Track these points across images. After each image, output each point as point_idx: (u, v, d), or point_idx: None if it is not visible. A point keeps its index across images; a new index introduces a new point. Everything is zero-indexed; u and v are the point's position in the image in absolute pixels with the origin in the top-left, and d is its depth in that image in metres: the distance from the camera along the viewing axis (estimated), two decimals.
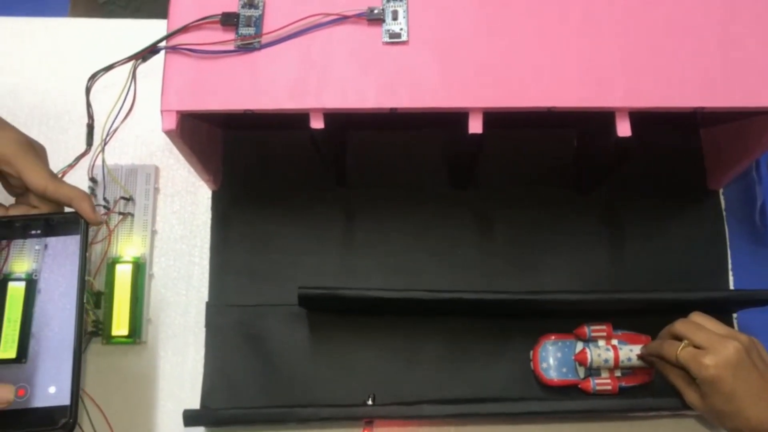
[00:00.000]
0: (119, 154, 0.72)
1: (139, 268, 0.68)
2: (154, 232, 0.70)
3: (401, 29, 0.57)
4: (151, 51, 0.58)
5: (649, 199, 0.71)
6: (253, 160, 0.72)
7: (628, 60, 0.56)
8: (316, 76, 0.56)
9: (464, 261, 0.70)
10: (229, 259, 0.69)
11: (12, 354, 0.52)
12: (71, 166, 0.67)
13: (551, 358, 0.66)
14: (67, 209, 0.56)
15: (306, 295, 0.62)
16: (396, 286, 0.67)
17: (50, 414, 0.50)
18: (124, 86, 0.63)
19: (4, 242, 0.54)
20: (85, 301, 0.53)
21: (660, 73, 0.56)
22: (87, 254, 0.54)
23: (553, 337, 0.66)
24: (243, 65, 0.57)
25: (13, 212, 0.56)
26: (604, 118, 0.58)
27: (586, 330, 0.65)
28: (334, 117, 0.57)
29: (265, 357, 0.67)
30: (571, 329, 0.67)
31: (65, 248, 0.54)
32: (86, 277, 0.54)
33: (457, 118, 0.58)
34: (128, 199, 0.70)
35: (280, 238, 0.70)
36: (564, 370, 0.65)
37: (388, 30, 0.57)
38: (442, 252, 0.70)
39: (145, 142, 0.73)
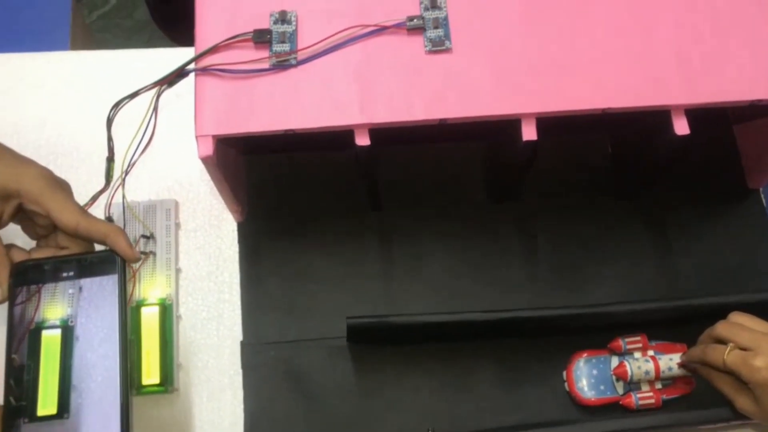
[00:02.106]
0: (134, 189, 0.68)
1: (166, 310, 0.64)
2: (178, 271, 0.66)
3: (444, 37, 0.54)
4: (178, 75, 0.55)
5: (689, 203, 0.69)
6: (278, 188, 0.68)
7: (682, 55, 0.55)
8: (359, 90, 0.53)
9: (509, 280, 0.66)
10: (262, 294, 0.65)
11: (52, 410, 0.47)
12: (88, 205, 0.62)
13: (586, 377, 0.62)
14: (98, 247, 0.52)
15: (355, 326, 0.58)
16: (441, 311, 0.63)
17: None
18: (145, 116, 0.59)
19: (34, 288, 0.49)
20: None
21: (714, 66, 0.54)
22: (126, 294, 0.50)
23: (585, 354, 0.63)
24: (280, 83, 0.54)
25: (37, 255, 0.52)
26: (651, 118, 0.56)
27: (621, 343, 0.63)
28: (378, 133, 0.54)
29: (309, 395, 0.62)
30: (602, 344, 0.64)
31: (102, 289, 0.50)
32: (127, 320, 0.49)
33: (505, 126, 0.55)
34: (149, 237, 0.65)
35: (314, 269, 0.66)
36: (602, 387, 0.62)
37: (431, 38, 0.54)
38: (486, 272, 0.67)
39: (161, 176, 0.69)
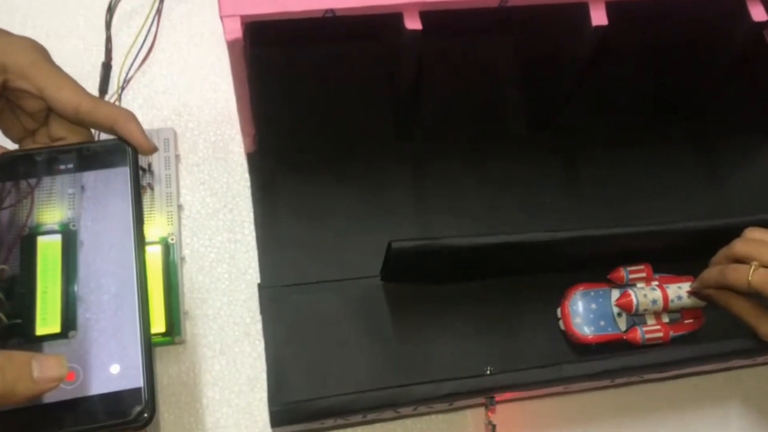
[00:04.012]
0: None
1: (169, 249, 0.54)
2: (180, 208, 0.57)
3: None
4: None
5: (739, 121, 0.64)
6: (293, 112, 0.60)
7: None
8: None
9: (551, 214, 0.60)
10: (280, 232, 0.56)
11: (55, 327, 0.37)
12: None
13: (584, 312, 0.55)
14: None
15: (402, 250, 0.50)
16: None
17: (117, 402, 0.36)
18: (147, 16, 0.51)
19: (25, 187, 0.40)
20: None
21: None
22: (140, 191, 0.41)
23: (582, 288, 0.56)
24: None
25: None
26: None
27: (624, 273, 0.55)
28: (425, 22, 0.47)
29: (341, 342, 0.54)
30: (600, 278, 0.56)
31: (109, 186, 0.41)
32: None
33: (569, 16, 0.49)
34: (145, 170, 0.56)
35: (338, 202, 0.58)
36: (602, 323, 0.55)
37: None
38: (528, 203, 0.60)
39: (155, 105, 0.60)
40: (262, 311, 0.54)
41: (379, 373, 0.53)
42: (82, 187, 0.40)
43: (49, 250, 0.39)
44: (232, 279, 0.56)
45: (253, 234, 0.56)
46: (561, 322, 0.55)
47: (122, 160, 0.41)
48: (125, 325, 0.38)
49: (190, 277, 0.55)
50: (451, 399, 0.48)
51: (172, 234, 0.55)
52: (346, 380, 0.52)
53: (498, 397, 0.50)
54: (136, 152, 0.41)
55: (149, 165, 0.56)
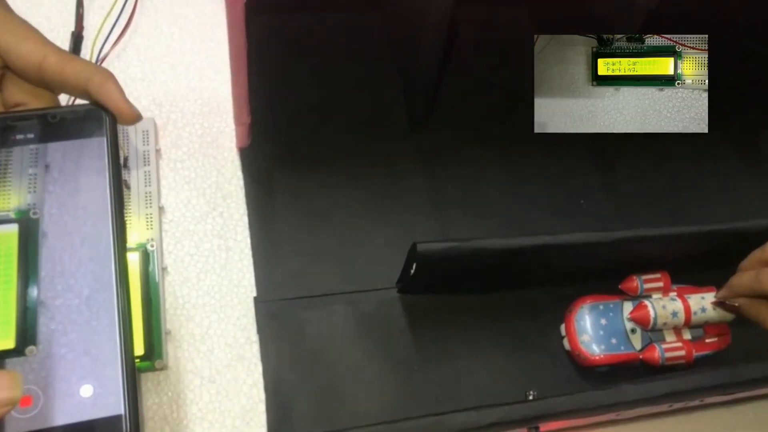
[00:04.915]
0: None
1: (148, 258, 0.46)
2: (161, 210, 0.48)
3: None
4: None
5: None
6: (293, 98, 0.52)
7: None
8: None
9: (588, 213, 0.53)
10: (279, 238, 0.49)
11: (8, 342, 0.29)
12: None
13: (592, 328, 0.47)
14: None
15: (429, 253, 0.42)
16: None
17: None
18: None
19: None
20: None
21: None
22: (120, 167, 0.33)
23: (589, 300, 0.48)
24: None
25: None
26: None
27: (637, 283, 0.48)
28: None
29: (351, 364, 0.46)
30: (609, 289, 0.49)
31: (80, 163, 0.32)
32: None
33: None
34: (120, 166, 0.48)
35: (345, 203, 0.51)
36: (613, 341, 0.47)
37: None
38: (559, 204, 0.53)
39: (132, 93, 0.51)
40: (259, 330, 0.46)
41: (399, 400, 0.45)
42: (47, 165, 0.32)
43: (2, 243, 0.30)
44: (223, 293, 0.47)
45: (248, 240, 0.48)
46: (565, 341, 0.48)
47: (97, 130, 0.33)
48: (101, 337, 0.29)
49: (173, 290, 0.47)
50: (494, 429, 0.40)
51: (152, 240, 0.47)
52: (359, 410, 0.44)
53: (543, 426, 0.42)
54: (114, 121, 0.33)
55: (125, 160, 0.48)
